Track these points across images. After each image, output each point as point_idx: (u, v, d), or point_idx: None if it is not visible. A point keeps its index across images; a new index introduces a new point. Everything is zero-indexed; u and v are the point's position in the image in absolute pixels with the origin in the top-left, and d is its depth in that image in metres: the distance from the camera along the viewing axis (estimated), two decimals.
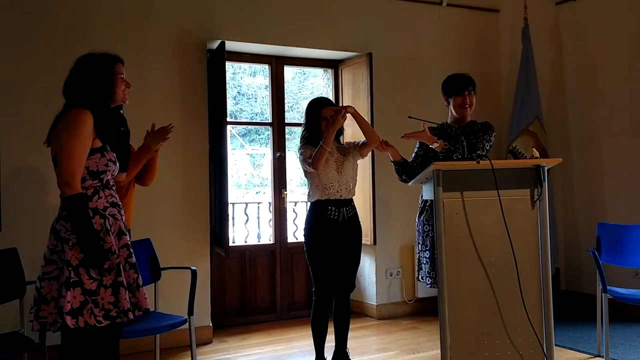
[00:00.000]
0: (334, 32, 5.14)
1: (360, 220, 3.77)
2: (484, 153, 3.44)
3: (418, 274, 3.67)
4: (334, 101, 5.16)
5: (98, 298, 2.45)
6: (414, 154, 3.78)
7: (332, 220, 3.61)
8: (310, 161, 3.55)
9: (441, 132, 3.65)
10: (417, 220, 3.67)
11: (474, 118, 3.76)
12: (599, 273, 3.79)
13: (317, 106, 3.70)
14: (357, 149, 3.72)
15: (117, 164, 2.65)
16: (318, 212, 3.63)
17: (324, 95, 5.37)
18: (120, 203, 2.65)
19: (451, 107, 3.64)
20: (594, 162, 5.34)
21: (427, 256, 3.49)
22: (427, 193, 3.38)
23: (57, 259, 2.49)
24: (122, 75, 2.66)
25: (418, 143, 3.76)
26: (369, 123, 3.73)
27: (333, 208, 3.62)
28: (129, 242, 2.62)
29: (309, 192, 3.71)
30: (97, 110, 2.54)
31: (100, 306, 2.45)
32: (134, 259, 2.62)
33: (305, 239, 3.68)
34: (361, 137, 3.71)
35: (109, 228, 2.52)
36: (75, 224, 2.43)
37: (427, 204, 3.50)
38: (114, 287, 2.49)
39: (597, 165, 5.32)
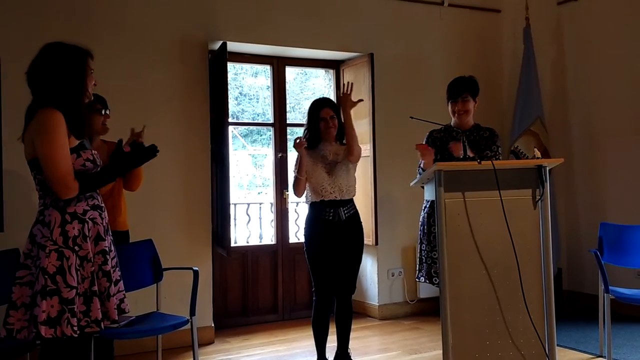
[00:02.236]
0: (336, 32, 5.14)
1: (362, 220, 3.77)
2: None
3: (418, 274, 3.68)
4: (335, 102, 5.14)
5: (75, 307, 2.35)
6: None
7: (329, 221, 3.61)
8: (293, 184, 3.63)
9: (446, 134, 3.67)
10: (421, 219, 3.67)
11: (477, 119, 3.77)
12: (601, 273, 3.79)
13: (316, 107, 3.71)
14: (346, 154, 3.66)
15: (99, 161, 2.54)
16: (315, 213, 3.64)
17: (325, 95, 5.36)
18: (102, 205, 2.56)
19: (449, 111, 3.71)
20: (596, 162, 5.33)
21: (434, 256, 3.52)
22: (428, 194, 3.38)
23: (31, 264, 2.40)
24: (93, 70, 2.53)
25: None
26: (354, 134, 3.59)
27: (329, 209, 3.61)
28: (107, 247, 2.51)
29: (306, 194, 3.72)
30: (68, 107, 2.42)
31: (77, 315, 2.36)
32: (108, 267, 2.50)
33: (304, 240, 3.69)
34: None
35: (86, 234, 2.42)
36: (108, 176, 2.52)
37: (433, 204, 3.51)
38: (86, 296, 2.41)
39: (599, 165, 5.31)
